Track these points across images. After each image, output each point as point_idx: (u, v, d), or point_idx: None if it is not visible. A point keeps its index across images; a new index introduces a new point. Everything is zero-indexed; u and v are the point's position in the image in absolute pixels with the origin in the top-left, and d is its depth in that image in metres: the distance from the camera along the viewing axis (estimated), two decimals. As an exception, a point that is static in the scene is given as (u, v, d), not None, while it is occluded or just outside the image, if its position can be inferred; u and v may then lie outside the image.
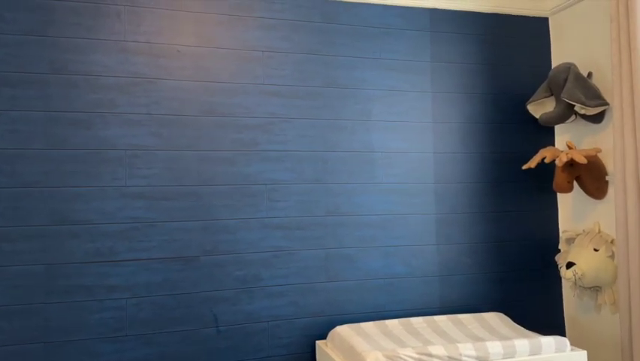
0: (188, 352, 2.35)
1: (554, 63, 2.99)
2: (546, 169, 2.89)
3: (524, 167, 2.76)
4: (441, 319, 2.60)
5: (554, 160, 2.65)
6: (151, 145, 2.36)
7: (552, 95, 2.80)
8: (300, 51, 2.61)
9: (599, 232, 2.66)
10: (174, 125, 2.40)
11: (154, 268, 2.33)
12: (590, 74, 2.74)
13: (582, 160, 2.48)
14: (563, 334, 2.89)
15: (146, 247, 2.33)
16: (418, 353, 2.12)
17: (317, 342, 2.52)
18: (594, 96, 2.59)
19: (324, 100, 2.64)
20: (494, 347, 2.19)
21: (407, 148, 2.76)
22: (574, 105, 2.65)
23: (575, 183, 2.74)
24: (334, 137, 2.65)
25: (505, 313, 2.74)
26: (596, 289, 2.66)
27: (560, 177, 2.65)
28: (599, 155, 2.67)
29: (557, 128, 2.99)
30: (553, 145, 2.99)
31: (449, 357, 2.13)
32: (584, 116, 2.72)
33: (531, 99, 2.86)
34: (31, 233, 2.19)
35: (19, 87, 2.21)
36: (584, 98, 2.57)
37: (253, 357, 2.44)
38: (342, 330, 2.41)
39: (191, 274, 2.38)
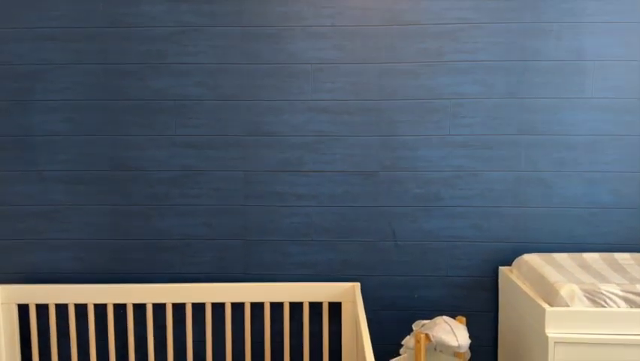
0: (368, 261, 2.43)
1: None
2: None
3: None
4: (655, 258, 2.23)
5: None
6: (335, 59, 2.35)
7: None
8: (498, -57, 2.27)
9: None
10: (356, 37, 2.34)
11: (336, 180, 2.41)
12: None
13: None
14: None
15: (329, 159, 2.40)
16: (625, 291, 1.86)
17: (500, 268, 2.38)
18: None
19: (523, 0, 2.29)
20: None
21: (629, 55, 2.29)
22: None
23: None
24: (534, 43, 2.31)
25: None
26: None
27: None
28: None
29: None
30: None
31: (665, 300, 1.83)
32: None
33: None
34: (230, 142, 2.41)
35: (216, 4, 2.35)
36: None
37: (431, 275, 2.43)
38: (530, 258, 2.23)
39: (371, 189, 2.40)
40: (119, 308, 2.41)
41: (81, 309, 2.41)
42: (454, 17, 2.31)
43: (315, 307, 2.41)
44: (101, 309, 2.41)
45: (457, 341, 1.95)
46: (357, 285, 2.36)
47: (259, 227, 2.44)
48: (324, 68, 2.36)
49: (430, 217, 2.40)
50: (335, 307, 2.41)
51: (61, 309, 2.41)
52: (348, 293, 2.37)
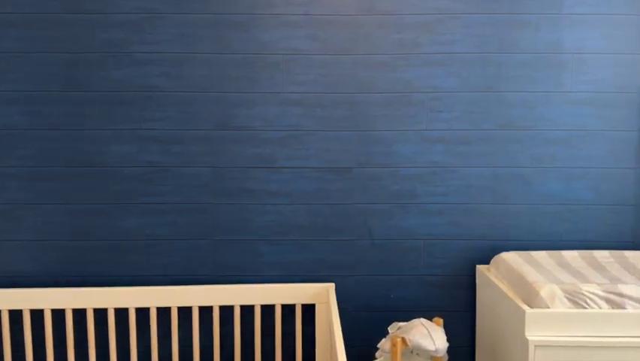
0: (343, 261, 2.35)
1: None
2: None
3: None
4: (634, 255, 2.19)
5: None
6: (308, 49, 2.25)
7: None
8: None
9: None
10: (331, 27, 2.24)
11: (310, 177, 2.32)
12: None
13: None
14: None
15: (303, 155, 2.31)
16: (605, 292, 1.81)
17: (477, 266, 2.32)
18: None
19: (503, -10, 2.23)
20: None
21: (608, 48, 2.25)
22: None
23: None
24: (513, 35, 2.25)
25: None
26: None
27: None
28: None
29: None
30: None
31: (647, 300, 1.79)
32: None
33: None
34: (198, 137, 2.29)
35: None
36: None
37: (407, 273, 2.36)
38: (508, 257, 2.17)
39: (345, 185, 2.32)
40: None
41: (37, 315, 2.27)
42: (431, 7, 2.23)
43: (288, 309, 2.32)
44: (59, 315, 2.27)
45: (435, 345, 1.88)
46: (332, 286, 2.28)
47: (229, 226, 2.33)
48: (296, 58, 2.26)
49: (407, 214, 2.33)
50: (309, 309, 2.32)
51: (15, 315, 2.27)
52: (322, 295, 2.28)
